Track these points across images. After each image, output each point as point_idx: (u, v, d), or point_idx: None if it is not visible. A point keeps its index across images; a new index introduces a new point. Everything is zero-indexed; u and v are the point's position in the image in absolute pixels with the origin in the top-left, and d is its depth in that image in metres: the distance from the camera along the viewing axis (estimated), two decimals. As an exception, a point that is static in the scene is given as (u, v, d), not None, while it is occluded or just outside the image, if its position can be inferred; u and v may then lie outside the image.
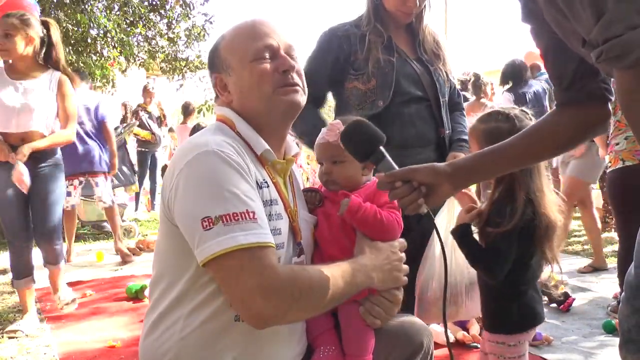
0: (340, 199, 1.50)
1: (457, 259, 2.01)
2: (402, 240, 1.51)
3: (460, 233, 1.86)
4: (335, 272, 1.29)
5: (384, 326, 1.47)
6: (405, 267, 1.47)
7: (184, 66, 9.28)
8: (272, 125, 1.42)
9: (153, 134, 8.59)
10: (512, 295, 1.86)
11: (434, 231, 1.55)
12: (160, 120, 8.98)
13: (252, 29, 1.43)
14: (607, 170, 3.63)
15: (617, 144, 3.46)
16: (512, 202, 1.79)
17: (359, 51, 2.29)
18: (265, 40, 1.40)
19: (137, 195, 8.22)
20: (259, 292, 1.17)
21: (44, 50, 3.48)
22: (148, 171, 9.05)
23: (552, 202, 1.85)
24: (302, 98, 1.43)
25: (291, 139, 1.55)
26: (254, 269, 1.18)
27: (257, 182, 1.32)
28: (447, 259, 1.44)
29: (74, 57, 7.14)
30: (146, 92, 8.70)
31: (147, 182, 9.17)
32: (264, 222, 1.25)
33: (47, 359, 3.03)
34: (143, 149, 8.81)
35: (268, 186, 1.36)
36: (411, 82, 2.31)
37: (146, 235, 6.68)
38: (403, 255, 1.48)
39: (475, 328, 3.09)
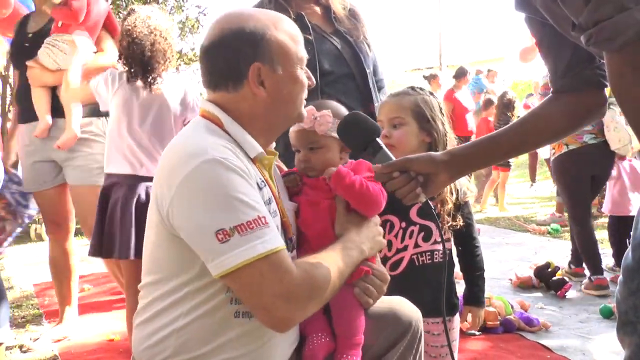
0: (321, 184, 1.49)
1: None
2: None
3: None
4: (336, 257, 1.31)
5: (374, 307, 1.48)
6: (381, 229, 1.50)
7: (178, 59, 9.24)
8: (268, 130, 1.40)
9: None
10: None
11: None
12: None
13: (294, 28, 1.39)
14: (552, 158, 3.65)
15: None
16: None
17: None
18: (302, 46, 1.38)
19: None
20: (280, 298, 1.19)
21: None
22: None
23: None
24: None
25: None
26: (273, 276, 1.19)
27: (257, 183, 1.30)
28: None
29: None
30: None
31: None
32: (272, 224, 1.24)
33: (47, 354, 3.03)
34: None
35: (266, 185, 1.35)
36: (333, 58, 2.09)
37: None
38: (378, 219, 1.51)
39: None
